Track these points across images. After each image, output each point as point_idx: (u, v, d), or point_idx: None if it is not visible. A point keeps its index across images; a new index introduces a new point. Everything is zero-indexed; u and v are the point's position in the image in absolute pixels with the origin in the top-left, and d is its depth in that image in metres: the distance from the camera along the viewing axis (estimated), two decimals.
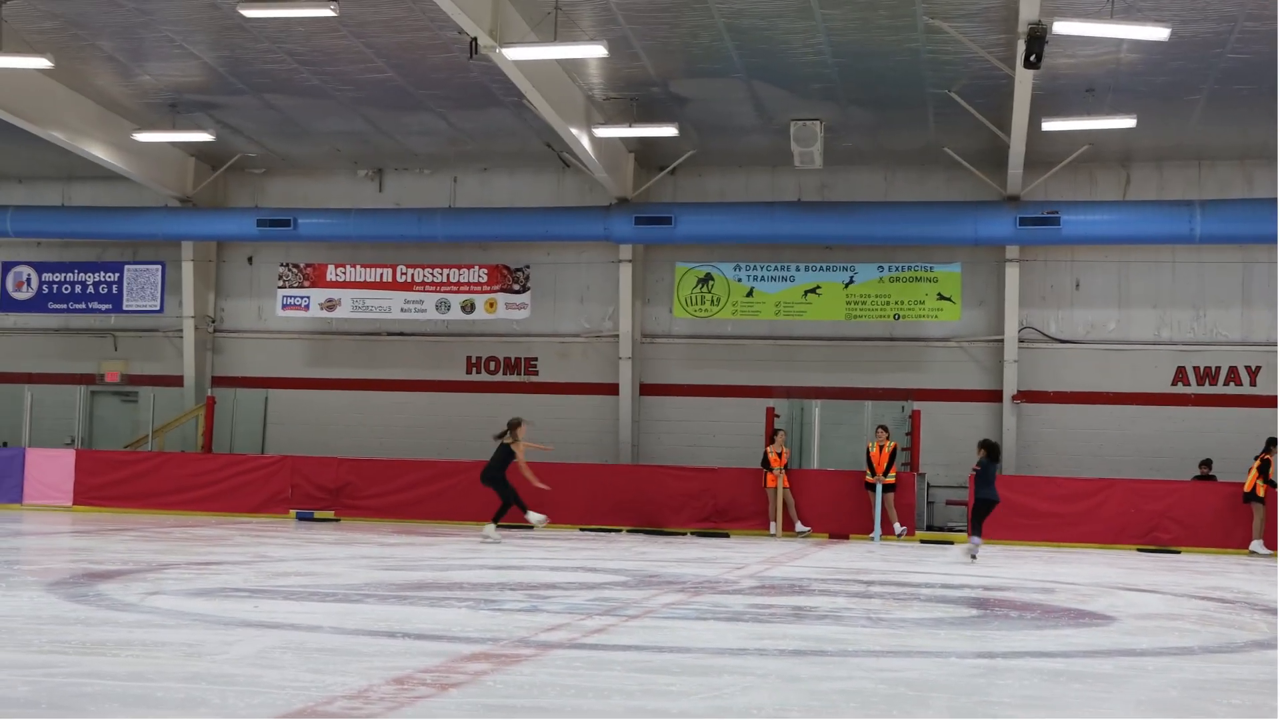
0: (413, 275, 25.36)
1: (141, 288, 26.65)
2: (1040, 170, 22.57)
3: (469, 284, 25.23)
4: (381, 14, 17.59)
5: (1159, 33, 15.61)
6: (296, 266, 25.78)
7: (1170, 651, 7.96)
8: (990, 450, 16.41)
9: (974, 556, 15.97)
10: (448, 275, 25.27)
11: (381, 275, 25.46)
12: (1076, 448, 23.41)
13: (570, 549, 16.48)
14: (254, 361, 26.37)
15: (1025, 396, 23.42)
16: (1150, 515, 20.32)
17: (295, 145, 24.56)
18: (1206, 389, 23.15)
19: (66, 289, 26.99)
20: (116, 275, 26.80)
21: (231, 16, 17.60)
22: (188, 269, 25.97)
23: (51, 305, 27.08)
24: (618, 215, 23.43)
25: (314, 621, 8.06)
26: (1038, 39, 15.62)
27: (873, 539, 20.28)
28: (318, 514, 21.88)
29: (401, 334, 25.81)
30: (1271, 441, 19.94)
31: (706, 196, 24.39)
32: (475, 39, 16.26)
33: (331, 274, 25.61)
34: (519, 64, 17.25)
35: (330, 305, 25.62)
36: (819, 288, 23.98)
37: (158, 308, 26.61)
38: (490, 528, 17.34)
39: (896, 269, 23.68)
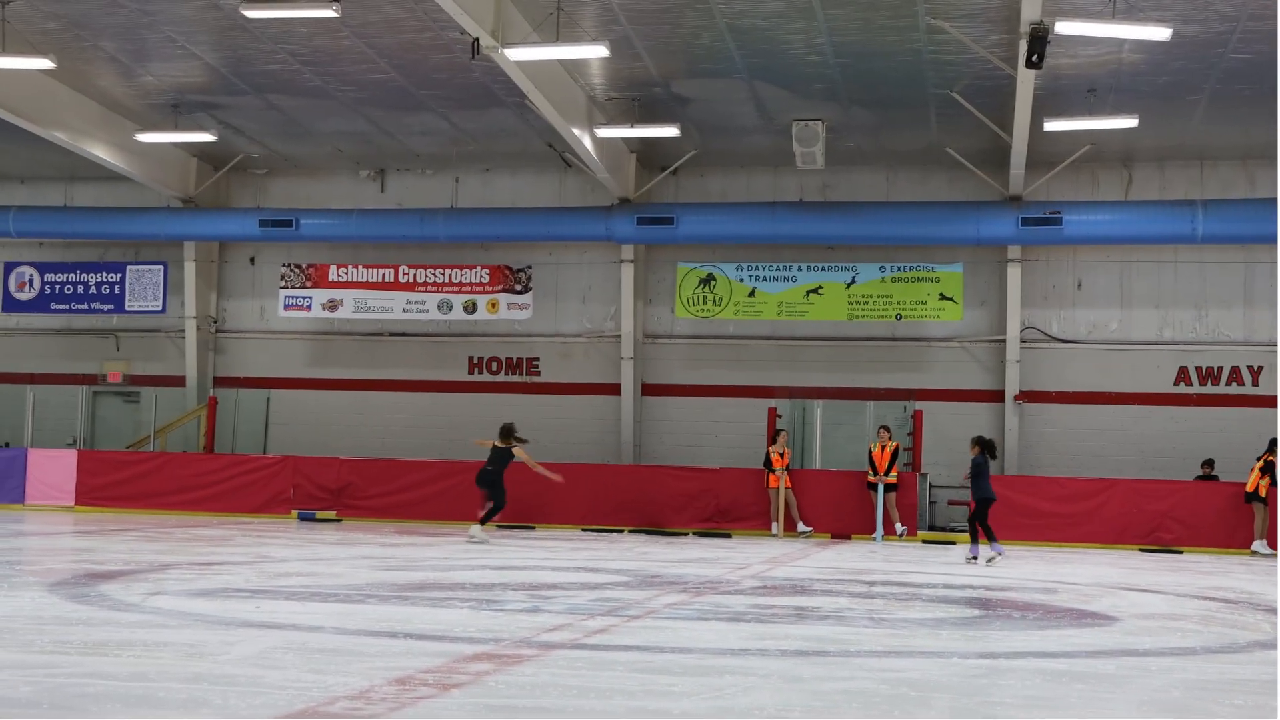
0: (415, 275, 25.37)
1: (144, 288, 26.67)
2: (1042, 170, 22.57)
3: (471, 284, 25.23)
4: (384, 14, 17.60)
5: (1161, 33, 15.60)
6: (298, 267, 25.79)
7: (1172, 652, 7.96)
8: (986, 447, 16.28)
9: (999, 555, 15.89)
10: (450, 275, 25.28)
11: (383, 275, 25.47)
12: (1078, 448, 23.40)
13: (572, 549, 16.48)
14: (256, 362, 26.38)
15: (1027, 396, 23.41)
16: (1152, 515, 20.32)
17: (297, 145, 24.56)
18: (1208, 389, 23.13)
19: (69, 289, 27.00)
20: (119, 275, 26.81)
21: (234, 17, 17.61)
22: (190, 269, 25.98)
23: (54, 305, 27.10)
24: (619, 215, 23.42)
25: (316, 622, 8.06)
26: (1040, 39, 15.61)
27: (875, 539, 20.28)
28: (319, 514, 21.89)
29: (403, 334, 25.81)
30: (1274, 443, 19.93)
31: (708, 197, 24.39)
32: (477, 39, 16.26)
33: (333, 274, 25.61)
34: (521, 64, 17.25)
35: (332, 305, 25.62)
36: (821, 288, 23.98)
37: (160, 308, 26.62)
38: (476, 528, 17.40)
39: (898, 269, 23.68)
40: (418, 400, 25.49)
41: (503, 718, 5.20)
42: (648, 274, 24.94)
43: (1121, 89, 19.43)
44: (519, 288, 25.15)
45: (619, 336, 24.72)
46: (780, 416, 23.37)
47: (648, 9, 17.08)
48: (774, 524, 20.79)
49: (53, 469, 22.88)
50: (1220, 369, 23.14)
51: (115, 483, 22.76)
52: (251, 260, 26.54)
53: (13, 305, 27.31)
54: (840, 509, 20.98)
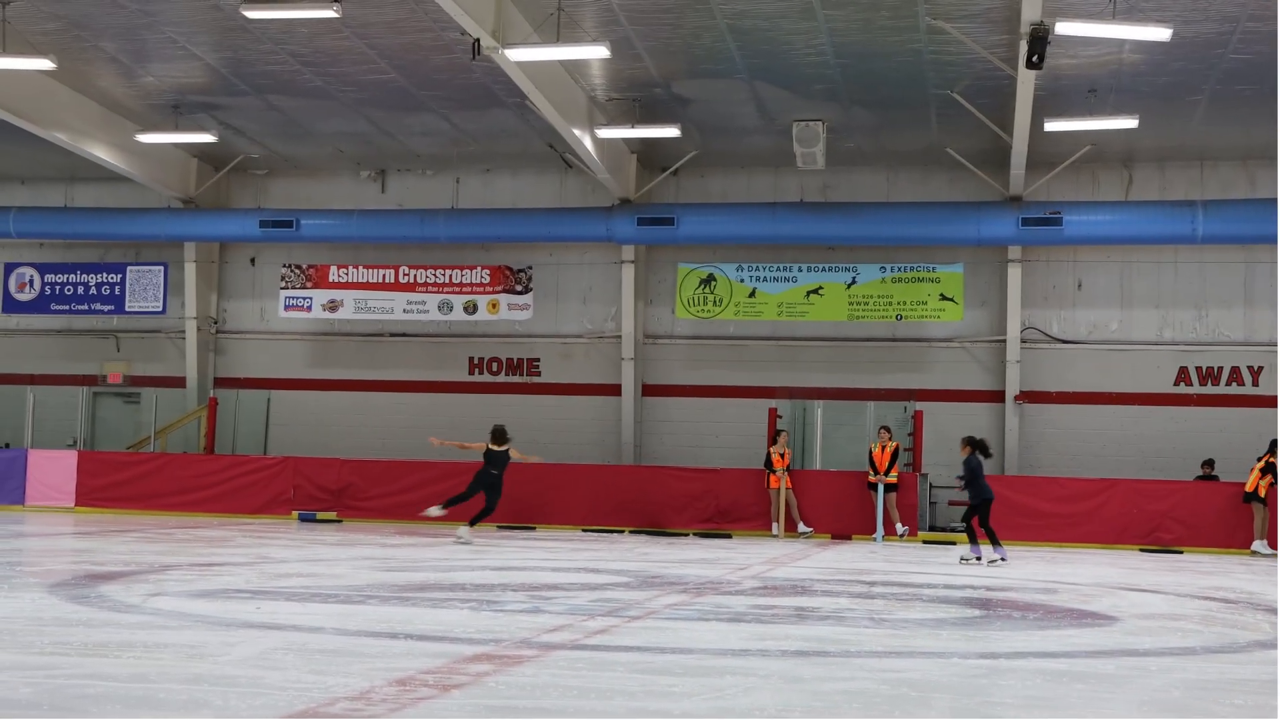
0: (415, 276, 25.37)
1: (144, 289, 26.67)
2: (1042, 171, 22.56)
3: (471, 285, 25.24)
4: (384, 15, 17.60)
5: (1161, 33, 15.60)
6: (299, 267, 25.80)
7: (1173, 652, 7.96)
8: (978, 446, 16.16)
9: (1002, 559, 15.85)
10: (450, 276, 25.28)
11: (384, 276, 25.47)
12: (1079, 448, 23.40)
13: (572, 550, 16.49)
14: (256, 362, 26.38)
15: (1027, 397, 23.41)
16: (1152, 515, 20.33)
17: (298, 146, 24.57)
18: (1209, 389, 23.13)
19: (69, 290, 27.00)
20: (119, 276, 26.82)
21: (234, 18, 17.61)
22: (190, 270, 25.98)
23: (54, 306, 27.10)
24: (620, 216, 23.42)
25: (316, 623, 8.06)
26: (1040, 40, 15.61)
27: (875, 539, 20.28)
28: (320, 515, 21.89)
29: (404, 335, 25.81)
30: (1274, 444, 19.93)
31: (709, 197, 24.39)
32: (478, 40, 16.26)
33: (334, 275, 25.61)
34: (521, 65, 17.25)
35: (333, 306, 25.63)
36: (821, 288, 23.98)
37: (160, 309, 26.62)
38: (465, 529, 17.44)
39: (899, 269, 23.68)
40: (418, 401, 25.49)
41: (503, 718, 5.20)
42: (648, 274, 24.95)
43: (1122, 89, 19.44)
44: (519, 288, 25.15)
45: (619, 337, 24.72)
46: (781, 417, 23.37)
47: (648, 9, 17.08)
48: (774, 524, 20.79)
49: (53, 470, 22.89)
50: (1220, 369, 23.14)
51: (115, 484, 22.76)
52: (252, 261, 26.54)
53: (13, 306, 27.31)
54: (841, 509, 20.98)
